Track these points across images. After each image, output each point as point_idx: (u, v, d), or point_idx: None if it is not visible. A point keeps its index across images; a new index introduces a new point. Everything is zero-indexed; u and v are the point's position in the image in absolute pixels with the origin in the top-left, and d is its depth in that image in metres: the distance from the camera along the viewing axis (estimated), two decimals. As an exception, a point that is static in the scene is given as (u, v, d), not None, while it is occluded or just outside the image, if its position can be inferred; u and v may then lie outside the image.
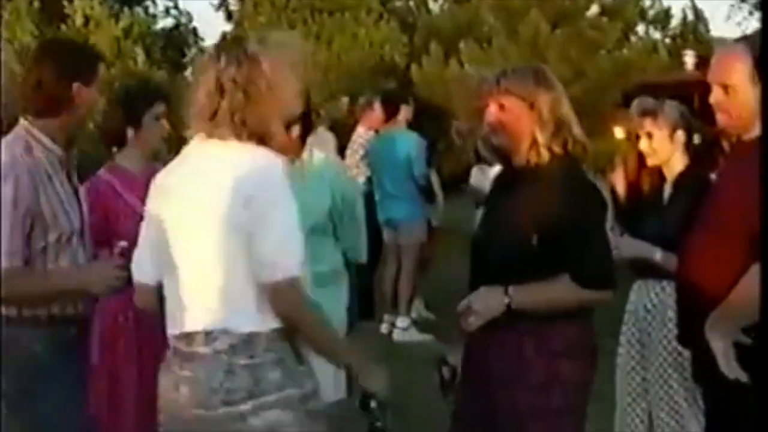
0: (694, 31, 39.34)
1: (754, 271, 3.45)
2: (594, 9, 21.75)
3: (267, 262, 3.22)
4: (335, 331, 3.69)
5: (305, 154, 4.91)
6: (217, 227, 3.25)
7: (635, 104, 5.41)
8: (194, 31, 37.30)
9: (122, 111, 5.14)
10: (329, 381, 4.93)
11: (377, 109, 10.60)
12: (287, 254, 3.24)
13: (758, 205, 3.40)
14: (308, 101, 5.10)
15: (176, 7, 37.16)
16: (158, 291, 3.46)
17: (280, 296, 3.24)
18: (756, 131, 3.63)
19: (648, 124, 5.19)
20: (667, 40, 37.16)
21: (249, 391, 3.23)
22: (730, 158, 4.34)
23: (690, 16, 40.03)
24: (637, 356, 5.23)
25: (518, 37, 20.19)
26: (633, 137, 5.59)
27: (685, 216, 4.27)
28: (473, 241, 4.17)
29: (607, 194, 5.27)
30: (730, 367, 3.46)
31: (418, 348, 9.46)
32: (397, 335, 10.08)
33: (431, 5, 35.39)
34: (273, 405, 3.25)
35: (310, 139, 4.99)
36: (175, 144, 3.80)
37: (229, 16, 35.35)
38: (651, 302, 5.11)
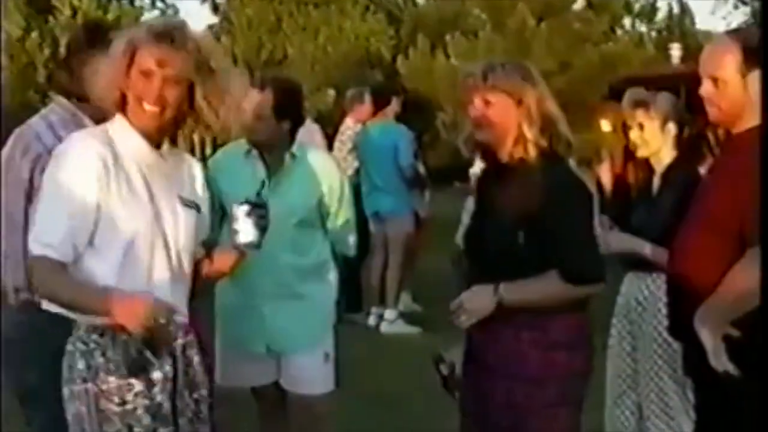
0: (681, 24, 39.38)
1: (741, 264, 3.45)
2: (580, 2, 21.83)
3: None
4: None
5: (294, 147, 4.89)
6: None
7: (627, 95, 5.39)
8: (180, 23, 37.21)
9: None
10: (317, 375, 4.95)
11: (367, 102, 10.59)
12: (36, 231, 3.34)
13: (758, 203, 3.40)
14: (300, 95, 5.10)
15: (163, -1, 37.08)
16: None
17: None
18: (745, 124, 3.63)
19: (640, 114, 5.17)
20: (654, 34, 37.22)
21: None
22: (720, 152, 4.34)
23: (676, 10, 40.09)
24: (627, 348, 5.23)
25: (505, 29, 20.29)
26: (620, 130, 5.59)
27: (674, 209, 4.27)
28: (465, 239, 4.16)
29: (593, 187, 5.28)
30: (719, 361, 3.46)
31: (406, 340, 9.49)
32: (384, 327, 10.07)
33: (417, -2, 35.39)
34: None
35: (299, 132, 4.98)
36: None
37: (215, 8, 35.28)
38: (642, 295, 5.11)
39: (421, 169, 10.44)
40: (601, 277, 3.89)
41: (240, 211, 3.53)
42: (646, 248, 4.97)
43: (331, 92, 25.91)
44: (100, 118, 3.60)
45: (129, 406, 3.30)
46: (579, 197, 3.93)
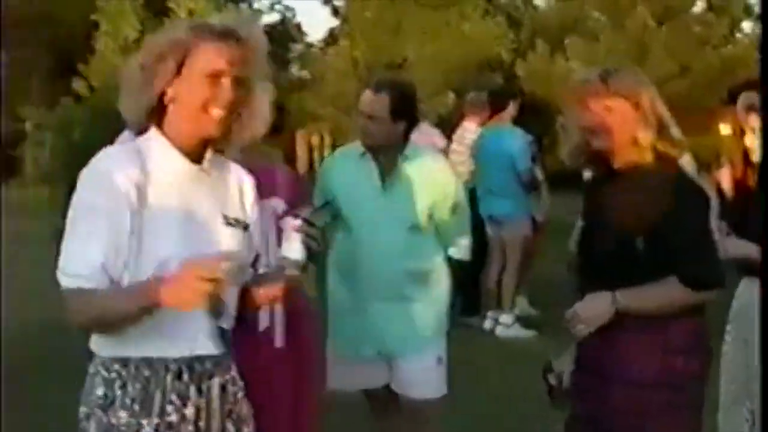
0: (803, 26, 38.49)
1: None
2: (700, 5, 21.54)
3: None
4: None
5: (407, 149, 4.91)
6: None
7: (741, 99, 5.32)
8: (298, 26, 37.55)
9: None
10: (429, 379, 4.95)
11: (485, 105, 10.60)
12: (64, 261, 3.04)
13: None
14: (414, 97, 5.10)
15: (281, 2, 37.42)
16: None
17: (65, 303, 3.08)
18: None
19: (753, 119, 5.13)
20: (773, 36, 36.43)
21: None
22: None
23: (797, 12, 39.20)
24: (741, 355, 5.18)
25: (624, 32, 20.07)
26: (738, 134, 5.52)
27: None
28: (578, 247, 4.16)
29: (712, 192, 5.22)
30: None
31: (522, 344, 9.50)
32: (500, 331, 10.08)
33: (537, 1, 35.27)
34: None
35: (413, 135, 5.00)
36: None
37: (335, 11, 35.53)
38: (757, 300, 5.06)
39: (539, 173, 10.42)
40: (722, 282, 3.85)
41: (290, 225, 3.29)
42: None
43: (451, 95, 25.93)
44: None
45: None
46: (698, 201, 3.88)
